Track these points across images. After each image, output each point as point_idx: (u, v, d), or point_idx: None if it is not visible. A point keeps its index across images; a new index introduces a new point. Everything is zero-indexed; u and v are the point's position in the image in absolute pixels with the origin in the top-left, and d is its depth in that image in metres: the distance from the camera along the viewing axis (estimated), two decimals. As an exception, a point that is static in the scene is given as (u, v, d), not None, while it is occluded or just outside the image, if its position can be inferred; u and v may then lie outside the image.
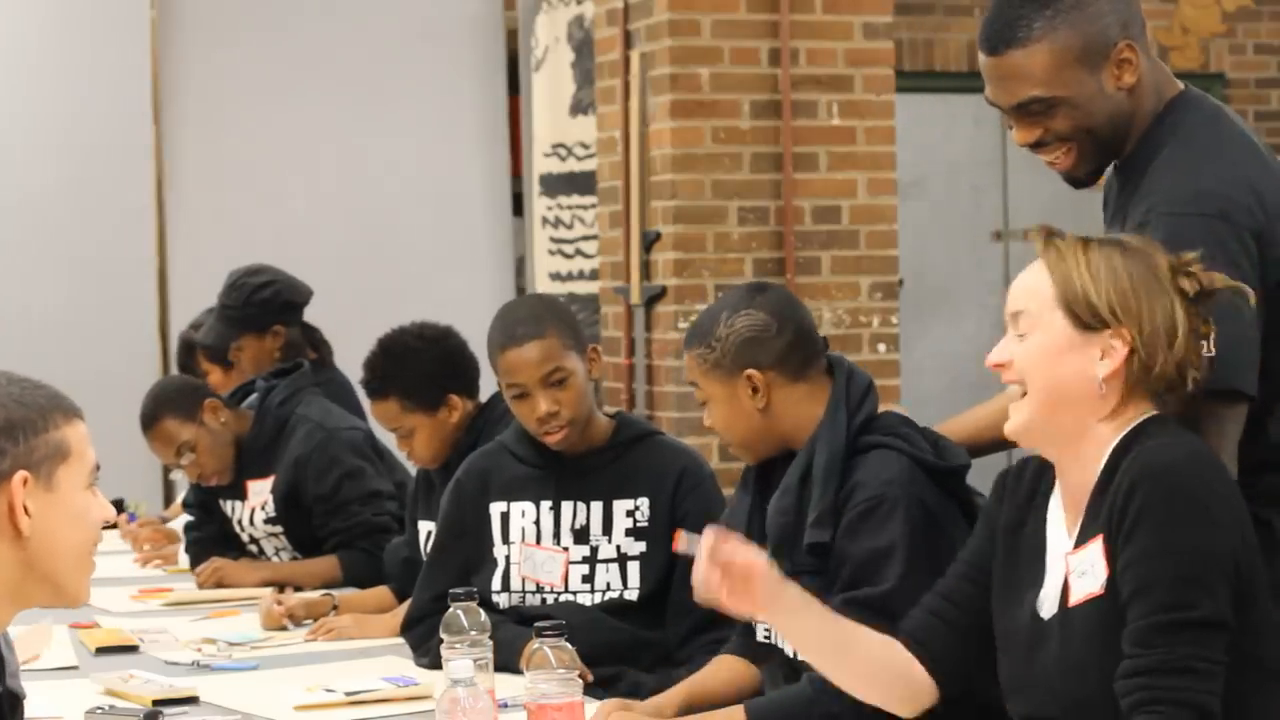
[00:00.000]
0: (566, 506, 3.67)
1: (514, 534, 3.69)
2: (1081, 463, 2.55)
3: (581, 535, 3.66)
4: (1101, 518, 2.49)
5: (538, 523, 3.68)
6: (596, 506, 3.66)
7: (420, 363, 4.18)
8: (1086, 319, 2.52)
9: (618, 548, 3.64)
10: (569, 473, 3.68)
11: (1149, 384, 2.53)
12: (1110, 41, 2.81)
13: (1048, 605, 2.56)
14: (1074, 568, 2.51)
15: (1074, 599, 2.50)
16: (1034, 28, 2.82)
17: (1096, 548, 2.48)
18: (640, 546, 3.63)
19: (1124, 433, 2.52)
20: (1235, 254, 2.70)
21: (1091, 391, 2.52)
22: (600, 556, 3.64)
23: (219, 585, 4.77)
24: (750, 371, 3.18)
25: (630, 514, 3.64)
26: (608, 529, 3.65)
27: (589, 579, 3.64)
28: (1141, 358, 2.51)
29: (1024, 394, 2.57)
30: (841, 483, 3.11)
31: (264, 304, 5.33)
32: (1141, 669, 2.39)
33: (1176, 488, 2.43)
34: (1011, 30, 2.83)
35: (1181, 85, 2.92)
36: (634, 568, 3.62)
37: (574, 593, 3.64)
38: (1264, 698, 2.49)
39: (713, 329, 3.21)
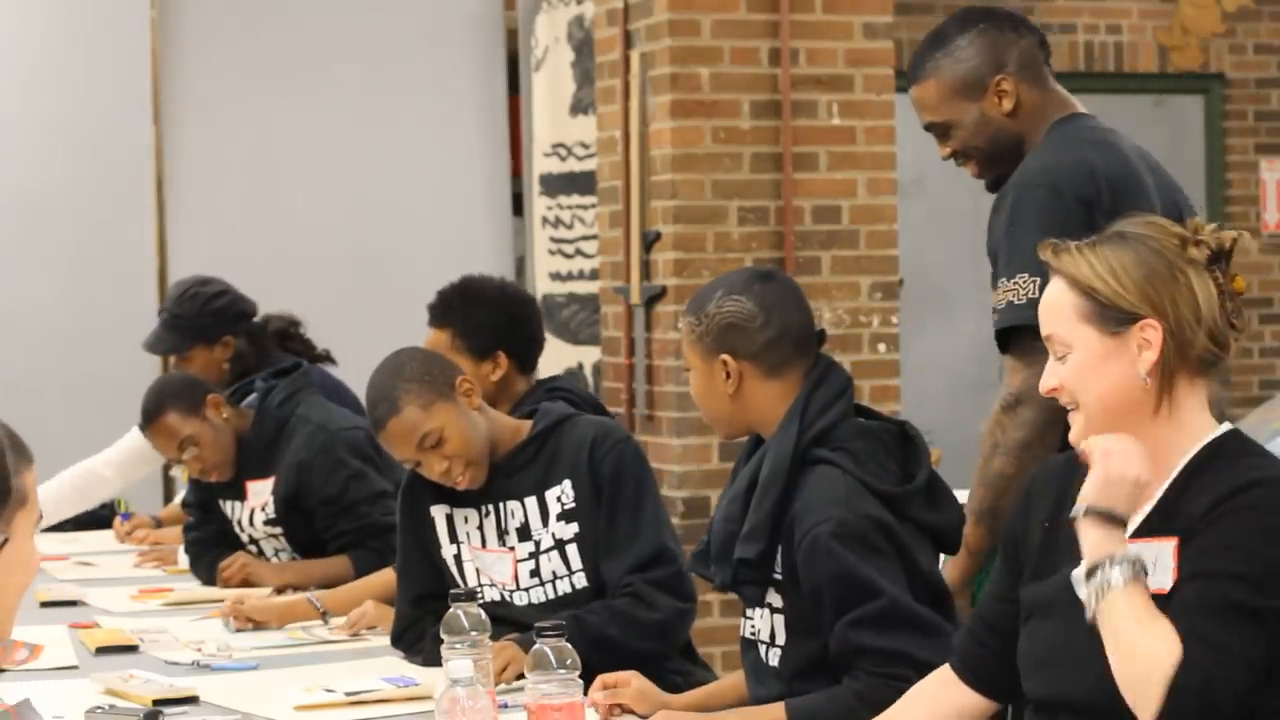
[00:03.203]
0: (503, 508, 3.73)
1: (460, 536, 3.77)
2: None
3: (524, 532, 3.72)
4: (1178, 521, 2.48)
5: (481, 527, 3.75)
6: (531, 502, 3.71)
7: (488, 309, 4.11)
8: (1111, 322, 2.53)
9: (553, 535, 3.70)
10: (498, 475, 3.72)
11: (1191, 364, 2.53)
12: (984, 76, 3.51)
13: None
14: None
15: None
16: (924, 67, 3.56)
17: (1168, 548, 2.47)
18: (573, 528, 3.68)
19: (1202, 444, 2.53)
20: (1060, 218, 3.24)
21: (1139, 388, 2.53)
22: (542, 548, 3.71)
23: (244, 583, 4.78)
24: (725, 356, 3.17)
25: (559, 499, 3.70)
26: (545, 520, 3.70)
27: (536, 573, 3.70)
28: (1176, 341, 2.51)
29: (1075, 407, 2.58)
30: (782, 497, 3.08)
31: (218, 314, 5.35)
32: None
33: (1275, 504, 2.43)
34: (913, 69, 3.57)
35: (1078, 109, 3.52)
36: (572, 550, 3.68)
37: (526, 589, 3.71)
38: None
39: (705, 304, 3.21)
